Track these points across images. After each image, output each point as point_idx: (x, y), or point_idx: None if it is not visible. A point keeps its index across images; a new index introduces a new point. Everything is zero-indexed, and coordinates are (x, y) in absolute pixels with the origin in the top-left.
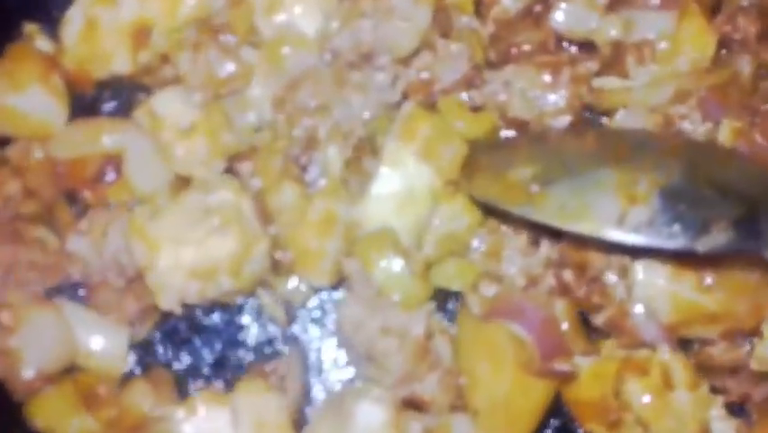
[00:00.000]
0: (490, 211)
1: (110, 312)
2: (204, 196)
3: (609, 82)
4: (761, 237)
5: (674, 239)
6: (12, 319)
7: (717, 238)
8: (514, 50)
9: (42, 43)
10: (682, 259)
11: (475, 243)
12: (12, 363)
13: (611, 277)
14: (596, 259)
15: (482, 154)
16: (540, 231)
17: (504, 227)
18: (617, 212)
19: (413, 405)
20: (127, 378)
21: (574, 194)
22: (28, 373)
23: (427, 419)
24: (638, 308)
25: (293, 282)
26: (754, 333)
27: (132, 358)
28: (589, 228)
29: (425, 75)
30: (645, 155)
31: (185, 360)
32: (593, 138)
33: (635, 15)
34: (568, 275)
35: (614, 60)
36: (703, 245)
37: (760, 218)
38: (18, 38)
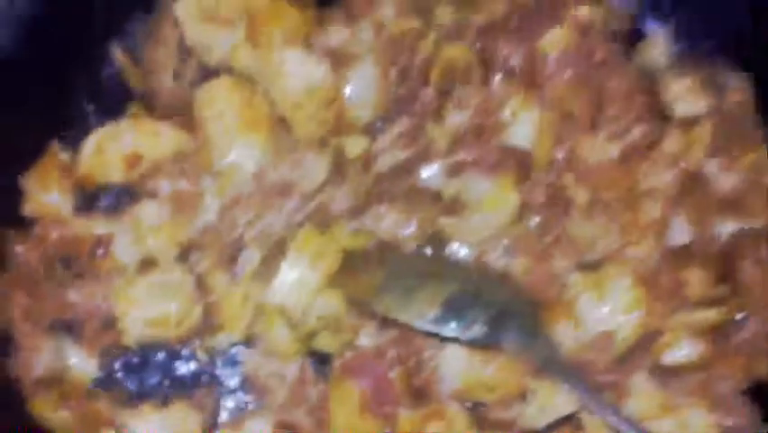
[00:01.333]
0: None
1: (89, 344)
2: (162, 273)
3: (447, 221)
4: (503, 336)
5: (450, 331)
6: (32, 344)
7: (476, 332)
8: (386, 195)
9: (63, 155)
10: (473, 346)
11: (343, 324)
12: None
13: (429, 353)
14: (420, 341)
15: (352, 262)
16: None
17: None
18: (422, 311)
19: (288, 427)
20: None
21: (402, 296)
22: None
23: None
24: (441, 376)
25: (218, 336)
26: (522, 399)
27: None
28: (407, 319)
29: (321, 205)
30: (444, 274)
31: (135, 383)
32: (423, 259)
33: (468, 180)
34: (402, 350)
35: (452, 208)
36: (467, 337)
37: (506, 320)
38: (47, 151)
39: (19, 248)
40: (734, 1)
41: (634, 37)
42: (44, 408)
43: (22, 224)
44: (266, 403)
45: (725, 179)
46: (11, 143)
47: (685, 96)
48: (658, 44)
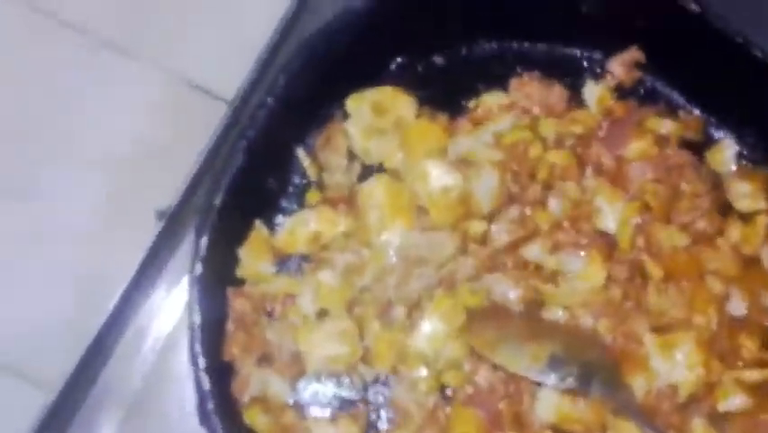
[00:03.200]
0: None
1: (282, 372)
2: (333, 321)
3: (546, 288)
4: (591, 385)
5: (549, 381)
6: (246, 371)
7: (571, 383)
8: (499, 265)
9: (263, 230)
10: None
11: (465, 365)
12: (241, 389)
13: (530, 391)
14: (524, 382)
15: (474, 320)
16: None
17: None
18: (529, 364)
19: None
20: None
21: (513, 352)
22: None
23: None
24: (540, 410)
25: (370, 371)
26: (603, 431)
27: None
28: (516, 370)
29: (450, 273)
30: (547, 336)
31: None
32: (526, 319)
33: (565, 256)
34: (510, 389)
35: (551, 278)
36: (563, 386)
37: (592, 374)
38: (254, 229)
39: (236, 301)
40: None
41: (705, 143)
42: (253, 417)
43: (238, 283)
44: (406, 423)
45: None
46: (233, 226)
47: (746, 196)
48: (726, 151)
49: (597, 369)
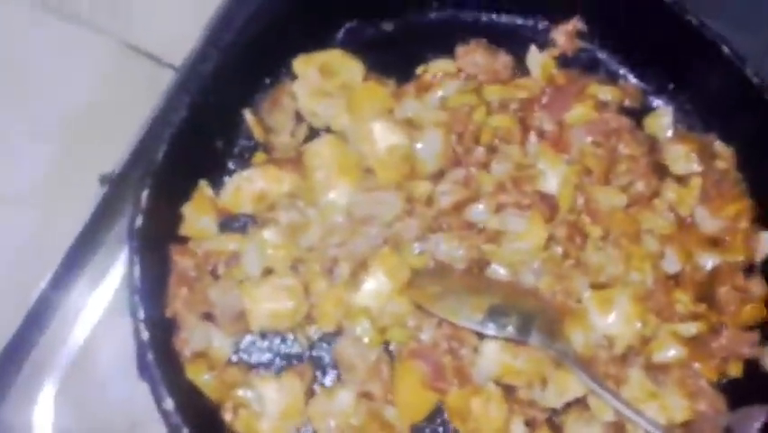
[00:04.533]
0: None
1: (225, 329)
2: (279, 279)
3: (489, 248)
4: (530, 334)
5: (489, 331)
6: (189, 327)
7: (510, 332)
8: (444, 226)
9: (208, 191)
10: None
11: (409, 321)
12: (183, 344)
13: (472, 345)
14: (466, 336)
15: (418, 277)
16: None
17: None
18: (470, 315)
19: (366, 396)
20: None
21: (454, 304)
22: (190, 352)
23: (372, 404)
24: (482, 364)
25: (315, 327)
26: (544, 383)
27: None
28: (457, 321)
29: (395, 232)
30: (488, 290)
31: (257, 357)
32: (470, 276)
33: (507, 217)
34: (454, 344)
35: (494, 238)
36: (501, 335)
37: (531, 324)
38: (198, 188)
39: (179, 258)
40: (725, 89)
41: (643, 111)
42: (195, 373)
43: (181, 240)
44: (351, 378)
45: (710, 223)
46: (176, 184)
47: (681, 159)
48: (662, 118)
49: (536, 319)
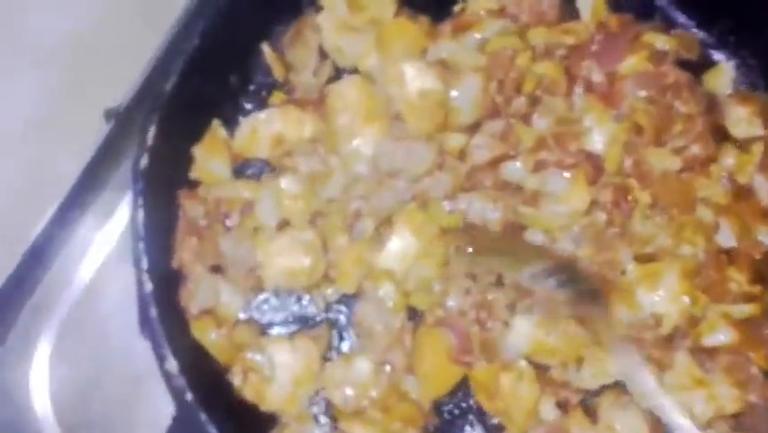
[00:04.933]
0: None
1: (235, 284)
2: (296, 233)
3: (526, 210)
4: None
5: (549, 284)
6: (196, 280)
7: (550, 284)
8: (478, 184)
9: (221, 132)
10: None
11: (435, 286)
12: (188, 298)
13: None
14: (497, 308)
15: (450, 235)
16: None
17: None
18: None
19: (387, 363)
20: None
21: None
22: (196, 308)
23: (393, 375)
24: (513, 339)
25: (332, 288)
26: (579, 363)
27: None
28: (519, 274)
29: (424, 188)
30: (529, 255)
31: (268, 317)
32: (504, 240)
33: (547, 176)
34: (482, 314)
35: (531, 200)
36: (560, 293)
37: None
38: (211, 129)
39: (187, 204)
40: None
41: (702, 66)
42: (202, 331)
43: (190, 185)
44: (370, 345)
45: None
46: (186, 122)
47: (743, 121)
48: (724, 74)
49: (586, 287)
